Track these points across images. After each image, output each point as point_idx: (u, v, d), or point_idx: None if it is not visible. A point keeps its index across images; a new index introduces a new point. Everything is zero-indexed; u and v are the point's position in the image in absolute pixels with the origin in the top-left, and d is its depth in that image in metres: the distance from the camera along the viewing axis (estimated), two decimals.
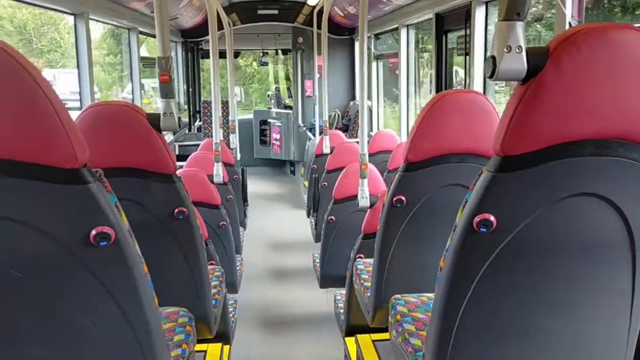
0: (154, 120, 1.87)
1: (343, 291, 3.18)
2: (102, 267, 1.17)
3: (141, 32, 5.34)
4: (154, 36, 6.05)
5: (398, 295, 1.97)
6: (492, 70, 1.15)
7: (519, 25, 1.13)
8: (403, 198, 2.09)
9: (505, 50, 1.12)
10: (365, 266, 2.58)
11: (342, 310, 3.15)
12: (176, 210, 1.96)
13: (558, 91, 1.14)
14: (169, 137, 6.11)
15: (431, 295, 1.93)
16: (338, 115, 8.40)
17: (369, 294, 2.32)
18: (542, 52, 1.13)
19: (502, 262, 1.23)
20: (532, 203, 1.21)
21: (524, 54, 1.13)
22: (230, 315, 3.05)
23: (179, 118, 1.94)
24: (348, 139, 5.76)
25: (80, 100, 3.87)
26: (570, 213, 1.22)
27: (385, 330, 2.15)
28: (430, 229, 2.09)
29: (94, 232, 1.13)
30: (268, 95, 10.99)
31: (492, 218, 1.20)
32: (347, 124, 8.07)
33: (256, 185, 7.89)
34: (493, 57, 1.14)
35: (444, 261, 1.30)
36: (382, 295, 2.19)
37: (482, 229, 1.21)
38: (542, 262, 1.26)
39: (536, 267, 1.26)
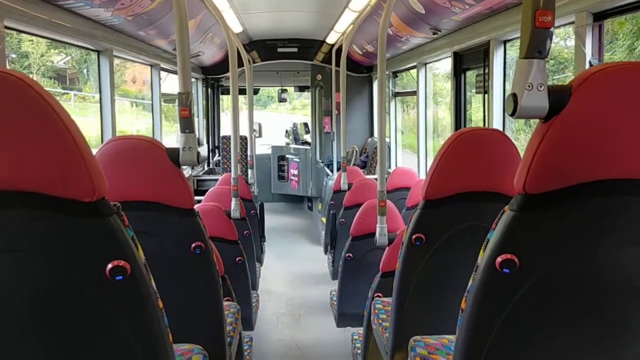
0: (173, 154, 1.88)
1: (360, 330, 3.12)
2: (117, 301, 1.16)
3: (163, 69, 5.45)
4: (176, 72, 6.17)
5: (418, 337, 1.92)
6: (514, 108, 1.14)
7: (541, 63, 1.12)
8: (422, 236, 2.06)
9: (527, 88, 1.11)
10: (383, 305, 2.52)
11: (359, 351, 3.08)
12: (193, 245, 1.95)
13: (581, 129, 1.12)
14: (187, 171, 6.16)
15: (452, 337, 1.87)
16: (356, 151, 8.41)
17: (387, 334, 2.27)
18: (565, 89, 1.12)
19: (526, 304, 1.19)
20: (556, 243, 1.17)
21: (545, 91, 1.11)
22: (246, 353, 3.00)
23: (198, 153, 1.95)
24: (366, 175, 5.75)
25: (102, 133, 3.94)
26: (596, 253, 1.18)
27: None
28: (450, 267, 2.04)
29: (110, 265, 1.12)
30: (286, 131, 11.07)
31: (515, 258, 1.17)
32: (365, 161, 8.07)
33: (274, 221, 7.87)
34: (514, 95, 1.13)
35: (466, 303, 1.26)
36: (401, 336, 2.13)
37: (504, 270, 1.17)
38: (568, 303, 1.21)
39: (562, 309, 1.22)
